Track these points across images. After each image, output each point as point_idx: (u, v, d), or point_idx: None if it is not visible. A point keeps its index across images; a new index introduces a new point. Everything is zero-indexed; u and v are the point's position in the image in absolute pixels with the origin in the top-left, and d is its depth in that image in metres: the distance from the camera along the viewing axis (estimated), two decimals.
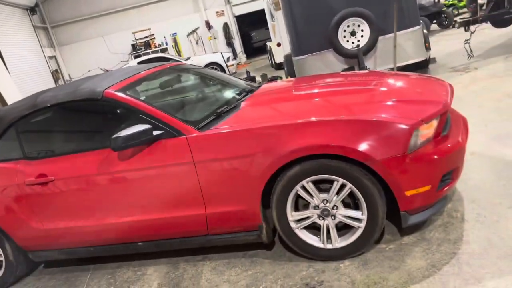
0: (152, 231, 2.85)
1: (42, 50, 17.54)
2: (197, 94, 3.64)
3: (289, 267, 2.65)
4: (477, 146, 3.64)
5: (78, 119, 3.04)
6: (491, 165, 3.27)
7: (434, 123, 2.47)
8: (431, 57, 7.54)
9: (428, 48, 6.94)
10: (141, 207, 2.78)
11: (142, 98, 2.90)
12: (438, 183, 2.43)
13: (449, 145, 2.48)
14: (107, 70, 17.96)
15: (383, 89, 3.02)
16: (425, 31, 6.83)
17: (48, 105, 2.99)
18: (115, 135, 2.54)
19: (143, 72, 3.31)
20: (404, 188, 2.36)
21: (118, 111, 2.88)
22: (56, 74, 18.28)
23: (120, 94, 2.83)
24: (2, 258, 3.22)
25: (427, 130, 2.44)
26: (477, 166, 3.31)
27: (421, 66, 7.06)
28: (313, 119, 2.48)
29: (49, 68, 17.67)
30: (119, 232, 2.91)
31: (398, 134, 2.35)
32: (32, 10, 17.65)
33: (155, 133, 2.64)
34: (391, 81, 3.19)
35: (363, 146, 2.32)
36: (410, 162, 2.34)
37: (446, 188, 2.49)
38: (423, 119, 2.40)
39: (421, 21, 6.71)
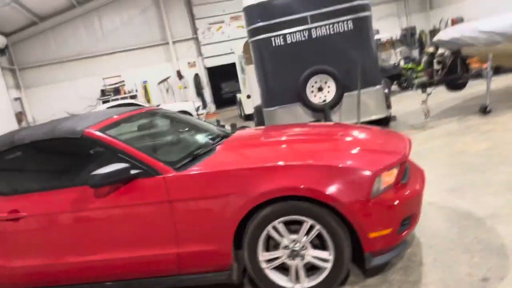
0: (123, 270, 2.85)
1: (7, 92, 17.28)
2: (173, 136, 3.78)
3: None
4: (433, 197, 3.91)
5: (55, 156, 3.09)
6: (446, 215, 3.53)
7: (395, 171, 2.70)
8: (392, 114, 8.05)
9: (389, 106, 7.44)
10: (113, 245, 2.80)
11: (121, 138, 3.00)
12: (398, 227, 2.62)
13: (407, 192, 2.71)
14: (73, 115, 17.77)
15: (348, 138, 3.27)
16: (386, 90, 7.36)
17: (26, 142, 3.03)
18: (93, 172, 2.62)
19: (122, 114, 3.43)
20: (368, 230, 2.53)
21: (96, 150, 2.97)
22: (19, 116, 17.91)
23: (99, 134, 2.94)
24: None
25: (388, 177, 2.66)
26: (434, 215, 3.55)
27: (383, 123, 7.51)
28: (284, 163, 2.66)
29: (13, 109, 17.35)
30: (89, 270, 2.89)
31: (362, 179, 2.55)
32: (1, 51, 17.57)
33: (133, 172, 2.73)
34: (355, 132, 3.46)
35: (330, 189, 2.51)
36: (373, 206, 2.54)
37: (406, 232, 2.68)
38: (384, 167, 2.63)
39: (382, 81, 7.24)
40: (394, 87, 13.61)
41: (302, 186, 2.52)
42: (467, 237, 3.07)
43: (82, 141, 2.93)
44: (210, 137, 3.62)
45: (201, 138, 3.68)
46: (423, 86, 7.81)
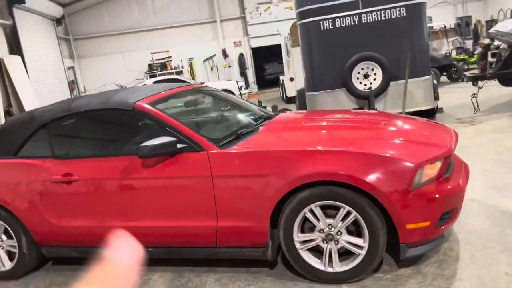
0: (164, 238, 3.01)
1: (63, 61, 18.05)
2: (218, 115, 3.88)
3: (289, 285, 2.80)
4: (476, 194, 3.82)
5: (108, 126, 3.26)
6: (488, 212, 3.44)
7: (438, 164, 2.67)
8: (438, 106, 7.81)
9: (436, 97, 7.23)
10: (157, 214, 2.96)
11: (169, 113, 3.13)
12: (437, 221, 2.60)
13: (449, 187, 2.67)
14: (122, 86, 18.38)
15: (392, 128, 3.24)
16: (434, 81, 7.13)
17: (82, 110, 3.22)
18: (142, 144, 2.75)
19: (171, 89, 3.56)
20: (405, 221, 2.54)
21: (146, 122, 3.11)
22: (72, 85, 18.72)
23: (150, 107, 3.07)
24: (16, 250, 3.37)
25: (431, 170, 2.63)
26: (475, 212, 3.48)
27: (429, 115, 7.31)
28: (325, 148, 2.68)
29: (66, 78, 18.14)
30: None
31: (404, 170, 2.54)
32: (58, 21, 18.29)
33: (179, 146, 2.85)
34: (399, 122, 3.42)
35: (370, 178, 2.52)
36: (413, 197, 2.53)
37: (444, 226, 2.66)
38: (427, 160, 2.61)
39: (431, 72, 7.01)
40: (443, 78, 13.11)
41: (342, 172, 2.55)
42: (509, 236, 3.00)
43: (134, 113, 3.07)
44: (253, 117, 3.69)
45: (244, 118, 3.76)
46: (475, 79, 7.51)
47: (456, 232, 3.18)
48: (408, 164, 2.56)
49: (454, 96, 9.91)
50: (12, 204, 3.27)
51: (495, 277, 2.56)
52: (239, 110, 4.00)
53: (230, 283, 2.94)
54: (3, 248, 3.43)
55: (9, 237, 3.39)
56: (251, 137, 3.06)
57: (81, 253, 3.30)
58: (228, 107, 4.11)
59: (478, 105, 7.31)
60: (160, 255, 3.09)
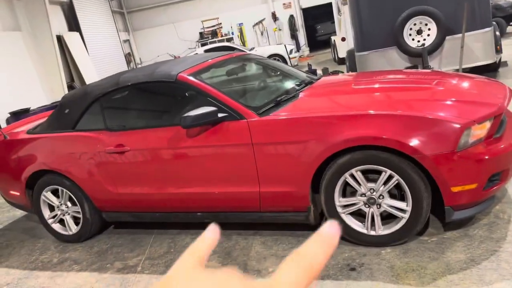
0: (211, 203, 3.15)
1: (118, 34, 18.67)
2: (259, 82, 3.89)
3: None
4: None
5: (153, 98, 3.40)
6: None
7: (487, 124, 2.54)
8: (502, 60, 7.25)
9: (499, 51, 6.70)
10: (203, 181, 3.09)
11: (210, 83, 3.19)
12: (485, 183, 2.50)
13: (500, 147, 2.54)
14: (175, 56, 18.76)
15: (441, 88, 3.09)
16: (497, 33, 6.60)
17: (129, 84, 3.37)
18: (185, 115, 2.85)
19: (212, 59, 3.61)
20: (450, 184, 2.47)
21: (189, 93, 3.20)
22: (128, 57, 19.40)
23: (192, 78, 3.15)
24: (81, 216, 3.69)
25: (479, 131, 2.51)
26: None
27: (490, 70, 6.83)
28: (372, 112, 2.63)
29: (123, 51, 18.80)
30: (182, 201, 3.24)
31: (449, 132, 2.45)
32: None
33: (220, 115, 2.92)
34: (450, 81, 3.25)
35: (413, 141, 2.45)
36: (458, 159, 2.44)
37: (494, 188, 2.55)
38: (475, 120, 2.49)
39: (493, 23, 6.48)
40: (511, 28, 12.06)
41: (384, 137, 2.50)
42: None
43: (177, 84, 3.17)
44: (295, 83, 3.66)
45: (286, 84, 3.74)
46: None
47: (510, 194, 3.04)
48: (454, 125, 2.46)
49: None
50: (74, 174, 3.55)
51: None
52: (282, 76, 3.98)
53: (274, 246, 3.04)
54: (69, 214, 3.76)
55: (74, 204, 3.71)
56: (292, 103, 3.06)
57: (136, 218, 3.54)
58: (271, 74, 4.11)
59: None
60: (208, 219, 3.24)
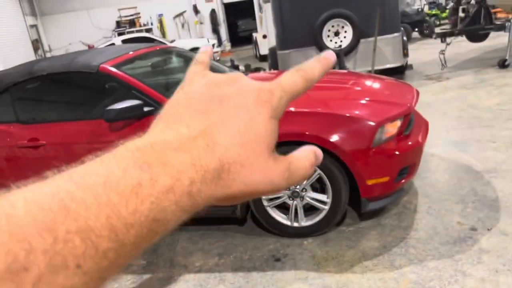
0: None
1: (24, 18, 17.19)
2: (184, 76, 3.85)
3: (258, 241, 2.93)
4: (437, 149, 4.00)
5: (71, 89, 3.21)
6: (447, 167, 3.63)
7: (398, 122, 2.78)
8: (408, 63, 7.92)
9: (406, 55, 7.31)
10: None
11: (135, 75, 3.09)
12: (396, 176, 2.74)
13: (409, 143, 2.80)
14: (89, 45, 17.75)
15: (358, 88, 3.32)
16: (404, 38, 7.19)
17: (44, 73, 3.15)
18: (108, 107, 2.74)
19: (137, 50, 3.50)
20: (366, 177, 2.67)
21: (111, 85, 3.08)
22: (36, 44, 17.95)
23: (114, 69, 3.02)
24: None
25: (391, 128, 2.74)
26: (434, 167, 3.66)
27: (398, 72, 7.42)
28: (292, 109, 2.74)
29: (29, 37, 17.36)
30: None
31: (365, 129, 2.65)
32: None
33: (146, 109, 2.85)
34: (364, 82, 3.49)
35: (334, 137, 2.61)
36: (373, 155, 2.65)
37: (403, 181, 2.81)
38: (388, 118, 2.71)
39: (401, 28, 7.06)
40: (415, 33, 13.19)
41: (307, 133, 2.63)
42: (464, 188, 3.20)
43: (98, 76, 3.02)
44: None
45: None
46: (443, 36, 7.61)
47: (415, 186, 3.36)
48: (370, 123, 2.66)
49: (425, 53, 10.04)
50: None
51: (447, 226, 2.75)
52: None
53: (201, 241, 3.05)
54: None
55: None
56: None
57: None
58: None
59: (445, 61, 7.45)
60: None
